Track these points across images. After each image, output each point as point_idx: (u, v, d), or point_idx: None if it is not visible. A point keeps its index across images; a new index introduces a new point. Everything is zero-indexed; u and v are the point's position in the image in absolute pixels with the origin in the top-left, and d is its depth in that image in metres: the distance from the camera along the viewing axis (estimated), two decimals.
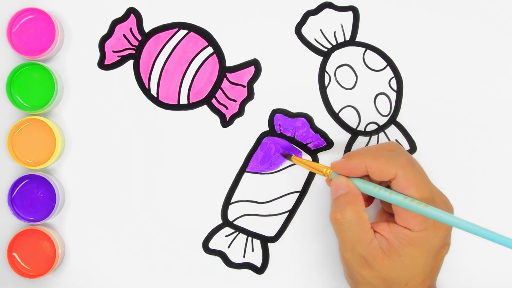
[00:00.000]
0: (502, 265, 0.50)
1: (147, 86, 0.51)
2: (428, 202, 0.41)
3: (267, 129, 0.51)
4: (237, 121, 0.51)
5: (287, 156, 0.49)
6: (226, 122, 0.51)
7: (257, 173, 0.51)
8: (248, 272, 0.51)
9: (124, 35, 0.51)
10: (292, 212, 0.51)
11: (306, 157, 0.50)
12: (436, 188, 0.44)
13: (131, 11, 0.51)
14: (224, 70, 0.51)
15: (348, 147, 0.50)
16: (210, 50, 0.51)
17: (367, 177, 0.44)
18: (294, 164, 0.51)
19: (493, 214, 0.50)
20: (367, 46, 0.51)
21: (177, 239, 0.51)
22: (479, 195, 0.50)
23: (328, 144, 0.51)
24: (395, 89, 0.51)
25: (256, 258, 0.51)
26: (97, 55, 0.51)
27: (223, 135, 0.51)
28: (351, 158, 0.43)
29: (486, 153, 0.51)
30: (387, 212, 0.46)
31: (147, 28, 0.51)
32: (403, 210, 0.41)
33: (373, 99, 0.51)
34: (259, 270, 0.51)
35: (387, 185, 0.44)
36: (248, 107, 0.51)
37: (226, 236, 0.51)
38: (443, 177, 0.50)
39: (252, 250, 0.51)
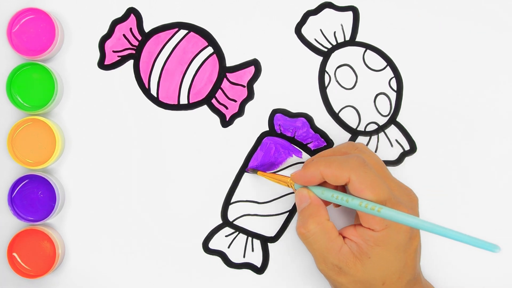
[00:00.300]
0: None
1: (147, 86, 0.51)
2: (385, 201, 0.41)
3: (267, 129, 0.51)
4: (237, 121, 0.51)
5: (253, 171, 0.50)
6: (226, 122, 0.51)
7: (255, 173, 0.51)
8: (248, 272, 0.51)
9: (124, 35, 0.51)
10: (292, 212, 0.51)
11: (306, 156, 0.50)
12: (395, 183, 0.44)
13: (131, 11, 0.51)
14: (224, 70, 0.51)
15: None
16: (210, 50, 0.51)
17: (326, 184, 0.44)
18: (294, 164, 0.51)
19: (494, 213, 0.50)
20: (367, 46, 0.51)
21: (177, 239, 0.51)
22: (479, 195, 0.50)
23: (328, 144, 0.51)
24: (395, 89, 0.51)
25: (256, 258, 0.51)
26: (97, 55, 0.51)
27: (223, 135, 0.51)
28: (307, 167, 0.44)
29: (486, 152, 0.51)
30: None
31: (147, 28, 0.51)
32: (364, 213, 0.42)
33: (373, 99, 0.51)
34: (259, 270, 0.51)
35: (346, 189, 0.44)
36: (248, 107, 0.51)
37: (226, 236, 0.51)
38: (442, 177, 0.50)
39: (252, 250, 0.51)
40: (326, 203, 0.45)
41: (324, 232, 0.43)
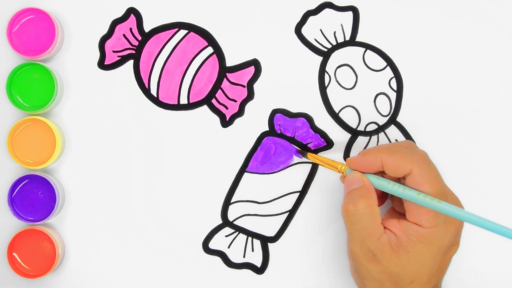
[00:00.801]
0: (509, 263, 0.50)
1: (147, 86, 0.51)
2: (441, 199, 0.41)
3: (267, 129, 0.51)
4: (237, 121, 0.51)
5: (302, 153, 0.49)
6: (226, 122, 0.51)
7: (257, 173, 0.51)
8: (248, 272, 0.51)
9: (124, 35, 0.51)
10: (292, 212, 0.51)
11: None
12: (448, 188, 0.44)
13: (131, 11, 0.51)
14: (224, 70, 0.51)
15: (348, 147, 0.50)
16: (210, 50, 0.51)
17: (381, 174, 0.44)
18: (294, 164, 0.51)
19: (494, 213, 0.50)
20: (367, 46, 0.51)
21: (177, 239, 0.51)
22: (479, 195, 0.50)
23: (328, 144, 0.51)
24: (395, 89, 0.51)
25: (256, 258, 0.51)
26: (97, 55, 0.51)
27: (223, 135, 0.51)
28: (366, 154, 0.43)
29: (486, 152, 0.51)
30: (397, 212, 0.46)
31: (147, 28, 0.51)
32: (415, 206, 0.41)
33: (373, 99, 0.51)
34: (259, 270, 0.51)
35: (401, 182, 0.44)
36: (248, 107, 0.51)
37: (226, 236, 0.51)
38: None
39: (252, 250, 0.51)
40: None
41: (371, 215, 0.42)
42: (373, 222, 0.42)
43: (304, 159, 0.50)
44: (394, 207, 0.47)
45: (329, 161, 0.47)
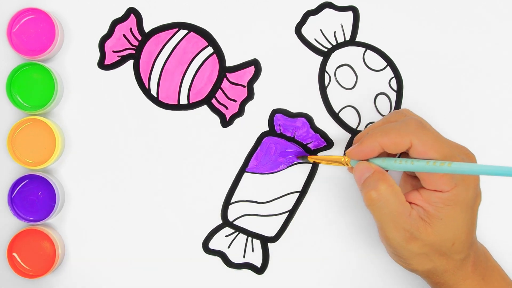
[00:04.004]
0: None
1: (147, 86, 0.51)
2: (450, 159, 0.40)
3: (267, 129, 0.51)
4: (237, 121, 0.51)
5: (303, 158, 0.49)
6: (226, 122, 0.51)
7: (257, 173, 0.51)
8: (248, 272, 0.51)
9: (124, 35, 0.51)
10: (292, 212, 0.51)
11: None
12: (453, 142, 0.44)
13: (131, 11, 0.51)
14: (224, 70, 0.51)
15: (348, 147, 0.50)
16: (210, 50, 0.51)
17: (384, 154, 0.44)
18: (294, 164, 0.50)
19: (494, 212, 0.50)
20: (367, 46, 0.51)
21: (177, 239, 0.51)
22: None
23: (328, 144, 0.51)
24: (395, 89, 0.51)
25: (256, 258, 0.51)
26: (97, 55, 0.51)
27: (223, 135, 0.51)
28: (363, 141, 0.43)
29: (486, 152, 0.50)
30: (411, 177, 0.46)
31: (147, 28, 0.51)
32: (428, 175, 0.41)
33: (373, 99, 0.51)
34: (259, 270, 0.51)
35: (406, 156, 0.43)
36: (248, 107, 0.51)
37: (226, 236, 0.51)
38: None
39: (252, 250, 0.51)
40: None
41: (395, 195, 0.42)
42: (399, 200, 0.42)
43: (303, 160, 0.50)
44: (405, 173, 0.46)
45: (330, 157, 0.47)
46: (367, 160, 0.43)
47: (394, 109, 0.51)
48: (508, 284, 0.46)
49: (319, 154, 0.50)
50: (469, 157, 0.44)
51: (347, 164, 0.45)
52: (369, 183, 0.42)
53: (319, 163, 0.48)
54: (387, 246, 0.44)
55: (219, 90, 0.51)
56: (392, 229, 0.42)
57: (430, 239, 0.41)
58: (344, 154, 0.49)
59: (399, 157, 0.45)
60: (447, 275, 0.43)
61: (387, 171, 0.46)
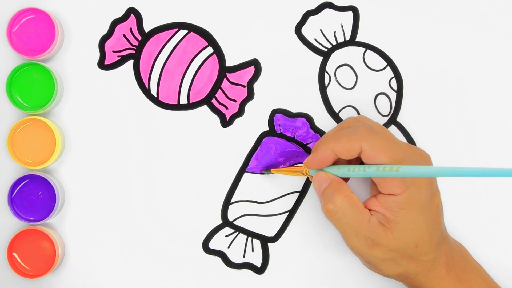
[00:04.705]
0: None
1: (147, 86, 0.51)
2: (400, 162, 0.41)
3: (267, 129, 0.51)
4: (237, 121, 0.51)
5: (266, 171, 0.50)
6: (226, 122, 0.51)
7: (257, 173, 0.51)
8: (248, 272, 0.51)
9: (124, 35, 0.51)
10: (292, 212, 0.51)
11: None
12: (405, 145, 0.44)
13: (131, 11, 0.51)
14: (224, 70, 0.51)
15: None
16: (210, 50, 0.51)
17: (342, 161, 0.44)
18: (294, 164, 0.51)
19: (494, 212, 0.50)
20: (367, 46, 0.51)
21: (177, 239, 0.51)
22: (480, 195, 0.50)
23: None
24: (395, 89, 0.51)
25: (256, 258, 0.51)
26: (97, 55, 0.51)
27: (223, 135, 0.51)
28: (317, 149, 0.43)
29: (486, 153, 0.50)
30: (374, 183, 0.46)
31: (147, 28, 0.51)
32: (382, 180, 0.41)
33: (373, 99, 0.51)
34: (259, 270, 0.51)
35: (360, 161, 0.44)
36: (248, 107, 0.51)
37: (226, 236, 0.51)
38: (443, 176, 0.50)
39: (252, 250, 0.51)
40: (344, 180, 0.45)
41: (352, 204, 0.42)
42: (356, 210, 0.42)
43: (269, 172, 0.50)
44: (372, 179, 0.46)
45: (292, 168, 0.47)
46: (323, 169, 0.44)
47: (394, 109, 0.51)
48: (488, 285, 0.45)
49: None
50: (423, 158, 0.44)
51: (307, 174, 0.46)
52: (326, 194, 0.43)
53: (282, 174, 0.48)
54: (355, 254, 0.44)
55: (219, 90, 0.51)
56: (353, 238, 0.43)
57: (391, 244, 0.42)
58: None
59: (354, 163, 0.45)
60: (420, 277, 0.44)
61: (347, 180, 0.46)
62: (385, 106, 0.51)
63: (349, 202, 0.42)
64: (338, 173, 0.43)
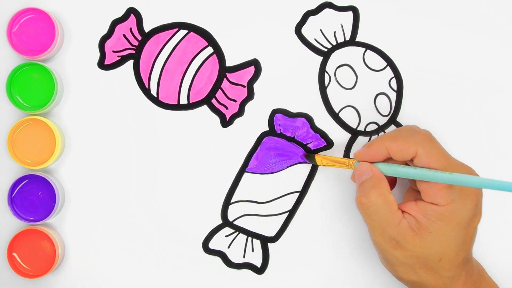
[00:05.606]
0: None
1: (147, 86, 0.51)
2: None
3: (267, 129, 0.51)
4: (237, 121, 0.51)
5: (308, 157, 0.49)
6: (226, 122, 0.51)
7: (257, 173, 0.51)
8: (248, 272, 0.51)
9: (124, 35, 0.51)
10: (292, 212, 0.51)
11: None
12: (458, 161, 0.44)
13: (131, 11, 0.51)
14: (224, 70, 0.51)
15: (348, 147, 0.50)
16: (210, 50, 0.51)
17: (390, 160, 0.44)
18: (294, 164, 0.50)
19: (495, 213, 0.50)
20: (367, 46, 0.51)
21: (177, 239, 0.51)
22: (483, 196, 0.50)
23: (328, 144, 0.51)
24: (395, 89, 0.51)
25: (256, 258, 0.51)
26: (97, 55, 0.51)
27: (223, 135, 0.51)
28: (371, 144, 0.44)
29: (486, 153, 0.50)
30: (415, 191, 0.46)
31: (147, 28, 0.51)
32: (428, 186, 0.41)
33: (373, 99, 0.51)
34: (259, 270, 0.51)
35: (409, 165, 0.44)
36: (248, 107, 0.51)
37: (226, 236, 0.51)
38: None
39: (252, 250, 0.51)
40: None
41: (386, 204, 0.42)
42: (389, 210, 0.42)
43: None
44: (411, 186, 0.47)
45: (336, 158, 0.47)
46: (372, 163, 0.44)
47: (394, 109, 0.51)
48: None
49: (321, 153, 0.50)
50: (472, 174, 0.44)
51: (352, 167, 0.46)
52: (363, 187, 0.43)
53: (325, 164, 0.48)
54: (376, 248, 0.44)
55: (219, 90, 0.51)
56: (378, 235, 0.43)
57: (416, 250, 0.42)
58: (348, 157, 0.49)
59: None
60: None
61: (395, 180, 0.46)
62: (385, 106, 0.51)
63: (384, 200, 0.42)
64: (386, 169, 0.43)
